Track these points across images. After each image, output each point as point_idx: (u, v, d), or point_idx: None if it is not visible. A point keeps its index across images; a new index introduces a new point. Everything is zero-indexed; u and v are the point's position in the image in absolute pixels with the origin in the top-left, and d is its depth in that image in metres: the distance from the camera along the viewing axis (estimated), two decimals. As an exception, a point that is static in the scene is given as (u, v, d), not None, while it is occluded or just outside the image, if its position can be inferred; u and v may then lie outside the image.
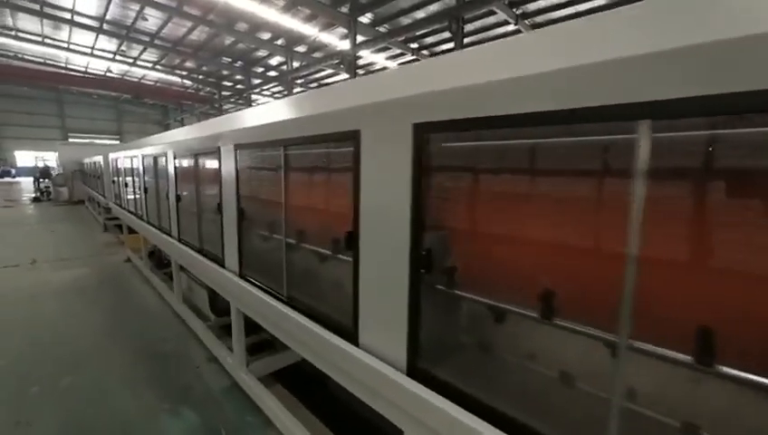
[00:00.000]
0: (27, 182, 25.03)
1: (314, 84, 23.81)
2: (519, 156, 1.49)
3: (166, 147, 4.67)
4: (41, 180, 20.04)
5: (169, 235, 4.86)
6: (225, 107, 28.43)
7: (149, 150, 5.49)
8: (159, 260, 6.63)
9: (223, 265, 3.24)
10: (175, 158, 4.42)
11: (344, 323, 2.00)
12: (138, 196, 6.54)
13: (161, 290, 5.63)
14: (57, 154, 21.89)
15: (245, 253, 2.95)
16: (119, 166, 8.18)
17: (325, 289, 2.45)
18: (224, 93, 25.21)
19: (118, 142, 31.78)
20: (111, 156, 9.16)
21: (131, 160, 6.69)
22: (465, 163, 1.62)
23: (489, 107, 1.27)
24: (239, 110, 22.97)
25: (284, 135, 2.26)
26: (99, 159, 11.52)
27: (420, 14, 14.18)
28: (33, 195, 19.52)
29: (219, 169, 3.11)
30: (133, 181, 6.83)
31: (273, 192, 2.59)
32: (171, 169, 4.53)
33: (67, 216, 14.50)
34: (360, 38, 14.51)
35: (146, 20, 15.71)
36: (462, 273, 1.65)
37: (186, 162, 4.24)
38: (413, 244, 1.56)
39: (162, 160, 4.88)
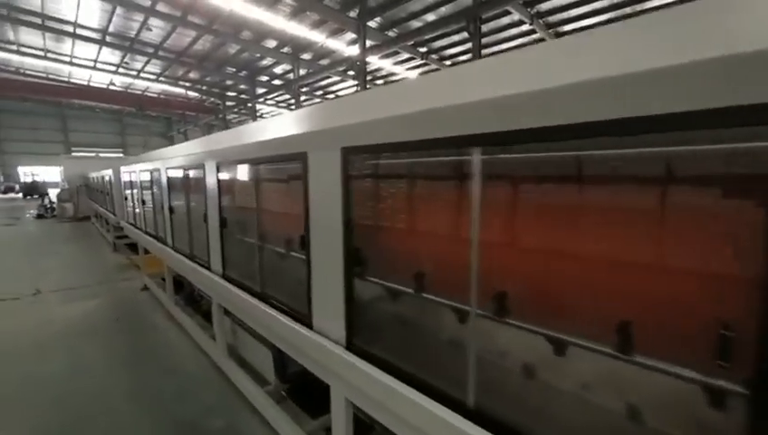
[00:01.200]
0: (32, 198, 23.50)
1: (320, 93, 22.76)
2: None
3: (202, 156, 3.58)
4: (30, 197, 18.75)
5: (208, 268, 3.73)
6: (229, 117, 27.26)
7: (176, 162, 4.38)
8: (190, 295, 5.39)
9: (309, 325, 2.19)
10: (218, 170, 3.32)
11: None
12: (159, 215, 5.40)
13: (194, 334, 4.48)
14: (62, 168, 20.43)
15: (361, 315, 1.90)
16: (132, 180, 6.93)
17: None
18: (228, 103, 24.07)
19: (121, 155, 30.40)
20: (123, 169, 7.84)
21: (150, 174, 5.53)
22: None
23: None
24: (242, 120, 22.08)
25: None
26: (107, 172, 10.20)
27: (431, 17, 13.26)
28: (37, 211, 18.20)
29: (305, 186, 2.07)
30: (153, 198, 5.64)
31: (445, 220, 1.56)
32: (212, 185, 3.42)
33: (73, 234, 13.19)
34: (369, 43, 13.59)
35: (150, 30, 14.56)
36: None
37: (233, 175, 3.20)
38: None
39: (196, 173, 3.79)
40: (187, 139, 29.91)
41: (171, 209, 4.75)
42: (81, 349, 4.31)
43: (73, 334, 4.68)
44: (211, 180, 3.47)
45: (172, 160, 4.54)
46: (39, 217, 17.53)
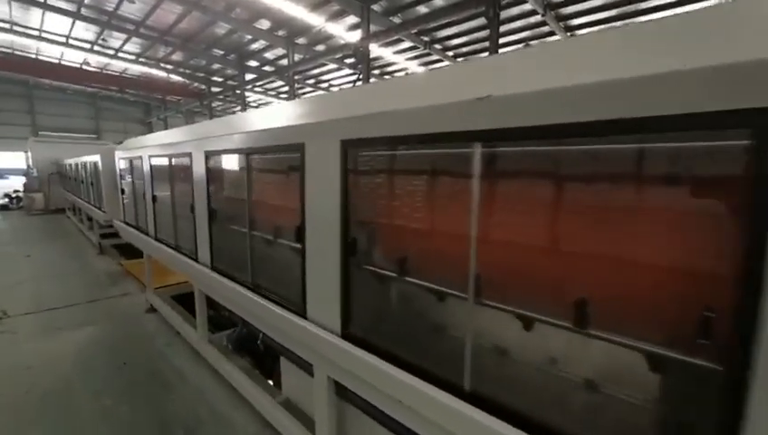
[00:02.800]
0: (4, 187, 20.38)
1: (312, 81, 21.34)
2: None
3: (296, 133, 2.26)
4: None
5: (301, 315, 2.39)
6: (214, 105, 25.37)
7: (227, 143, 2.95)
8: (247, 339, 3.86)
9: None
10: (345, 155, 2.03)
11: None
12: (186, 220, 3.86)
13: (254, 399, 2.98)
14: (29, 153, 17.98)
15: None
16: (137, 168, 5.35)
17: None
18: (213, 89, 22.26)
19: (97, 141, 27.80)
20: (120, 154, 6.14)
21: (170, 161, 4.15)
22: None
23: None
24: (228, 109, 20.43)
25: None
26: (93, 158, 8.41)
27: (439, 2, 12.33)
28: (1, 202, 16.06)
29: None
30: (173, 194, 4.20)
31: None
32: (327, 180, 2.11)
33: (45, 231, 11.33)
34: (373, 28, 12.60)
35: (132, 2, 12.86)
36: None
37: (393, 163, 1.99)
38: None
39: (275, 161, 2.56)
40: (167, 126, 27.68)
41: (212, 214, 3.32)
42: (79, 421, 2.85)
43: (63, 391, 3.22)
44: (326, 172, 2.08)
45: (217, 141, 3.08)
46: (2, 208, 15.46)
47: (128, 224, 5.89)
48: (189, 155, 3.58)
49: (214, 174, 3.33)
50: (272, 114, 2.87)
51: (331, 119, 2.11)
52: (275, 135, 2.49)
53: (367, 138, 1.92)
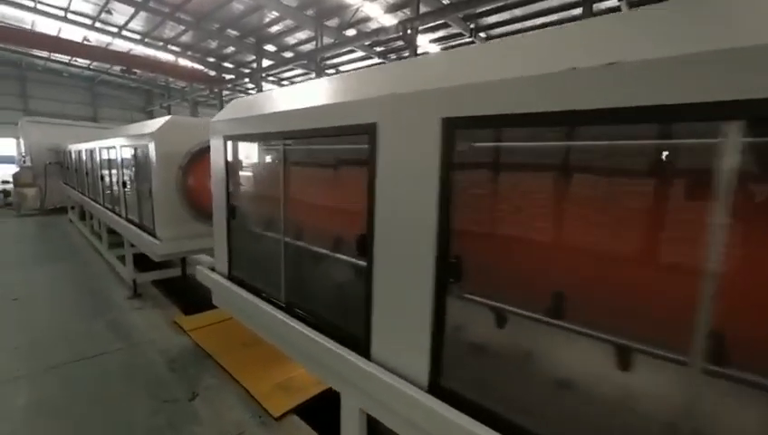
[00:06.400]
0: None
1: (332, 71, 19.32)
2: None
3: None
4: None
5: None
6: (224, 93, 23.16)
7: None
8: None
9: None
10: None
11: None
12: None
13: None
14: (21, 138, 15.16)
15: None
16: (297, 159, 2.93)
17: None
18: (226, 76, 20.10)
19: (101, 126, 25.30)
20: (238, 129, 3.12)
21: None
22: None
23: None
24: (236, 97, 18.05)
25: None
26: (132, 144, 5.11)
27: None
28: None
29: None
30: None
31: None
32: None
33: (41, 242, 8.24)
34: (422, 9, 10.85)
35: (146, -34, 10.76)
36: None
37: None
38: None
39: None
40: (170, 114, 25.37)
41: None
42: None
43: None
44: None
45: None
46: (-13, 209, 12.52)
47: (250, 289, 3.12)
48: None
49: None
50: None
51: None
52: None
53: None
